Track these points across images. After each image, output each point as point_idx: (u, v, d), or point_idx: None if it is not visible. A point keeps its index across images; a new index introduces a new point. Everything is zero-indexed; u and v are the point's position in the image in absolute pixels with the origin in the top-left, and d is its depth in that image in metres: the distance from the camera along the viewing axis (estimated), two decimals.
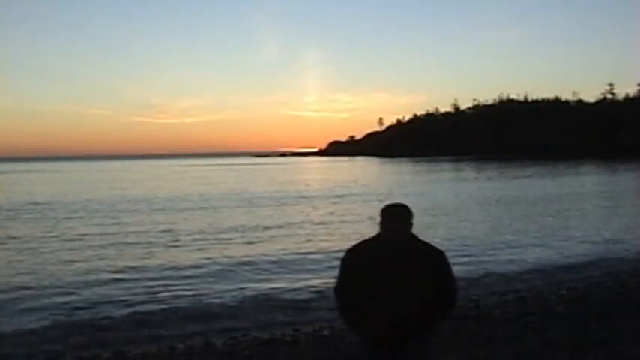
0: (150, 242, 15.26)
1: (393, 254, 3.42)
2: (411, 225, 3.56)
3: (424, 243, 3.49)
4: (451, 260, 3.55)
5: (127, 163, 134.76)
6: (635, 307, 7.37)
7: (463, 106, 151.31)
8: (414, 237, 3.52)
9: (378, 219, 3.59)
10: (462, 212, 20.97)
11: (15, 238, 16.51)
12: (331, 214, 21.61)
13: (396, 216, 3.57)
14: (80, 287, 10.03)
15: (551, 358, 5.42)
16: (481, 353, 5.64)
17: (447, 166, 71.28)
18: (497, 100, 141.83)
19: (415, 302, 3.38)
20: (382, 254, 3.43)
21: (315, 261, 12.14)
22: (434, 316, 3.50)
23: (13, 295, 9.58)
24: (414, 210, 3.67)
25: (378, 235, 3.56)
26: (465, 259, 11.91)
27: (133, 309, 8.59)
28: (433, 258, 3.46)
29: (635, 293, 8.33)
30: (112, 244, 14.91)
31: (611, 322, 6.60)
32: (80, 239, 15.97)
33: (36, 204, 27.70)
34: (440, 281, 3.43)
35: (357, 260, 3.49)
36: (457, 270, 4.00)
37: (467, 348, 5.82)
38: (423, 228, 13.60)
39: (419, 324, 3.47)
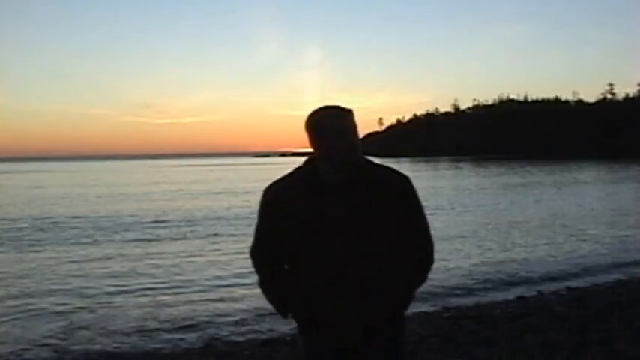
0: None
1: (338, 187, 2.29)
2: (357, 137, 2.35)
3: (379, 166, 2.41)
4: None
5: (127, 164, 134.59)
6: (635, 307, 7.37)
7: (463, 106, 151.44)
8: (365, 159, 2.40)
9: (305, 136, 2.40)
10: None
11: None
12: None
13: (336, 125, 2.30)
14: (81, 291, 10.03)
15: (551, 358, 5.42)
16: (481, 353, 5.63)
17: (465, 165, 71.15)
18: (497, 100, 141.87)
19: (380, 263, 2.28)
20: (320, 189, 2.31)
21: None
22: (410, 283, 2.40)
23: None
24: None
25: (310, 160, 2.39)
26: (466, 259, 11.92)
27: (132, 309, 8.59)
28: (397, 188, 2.36)
29: (635, 293, 8.33)
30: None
31: (611, 322, 6.59)
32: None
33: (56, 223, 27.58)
34: (411, 224, 2.37)
35: (284, 201, 2.34)
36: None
37: (467, 348, 5.82)
38: None
39: (391, 299, 2.33)
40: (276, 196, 2.39)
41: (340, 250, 2.26)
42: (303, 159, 2.47)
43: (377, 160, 2.46)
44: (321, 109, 2.36)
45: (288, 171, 2.42)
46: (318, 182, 2.32)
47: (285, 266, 2.42)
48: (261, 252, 2.45)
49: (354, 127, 2.34)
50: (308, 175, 2.37)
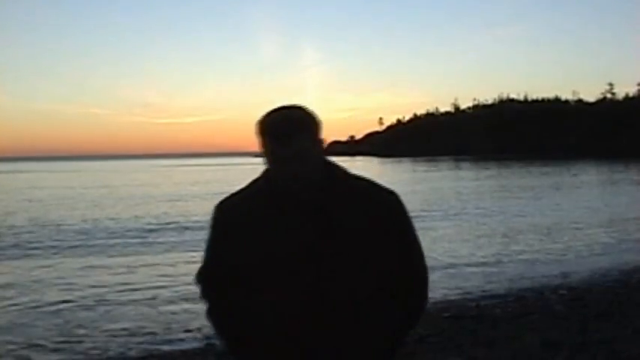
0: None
1: (304, 206, 1.84)
2: (321, 144, 1.88)
3: (357, 179, 1.95)
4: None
5: (127, 164, 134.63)
6: (635, 307, 7.37)
7: (463, 106, 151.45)
8: (337, 169, 1.94)
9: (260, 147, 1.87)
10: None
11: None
12: None
13: (287, 129, 1.79)
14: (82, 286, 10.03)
15: (551, 358, 5.42)
16: (481, 353, 5.64)
17: (465, 166, 71.19)
18: (497, 100, 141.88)
19: (359, 300, 1.84)
20: (282, 207, 1.86)
21: None
22: (397, 326, 1.98)
23: None
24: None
25: (266, 172, 1.92)
26: (465, 259, 11.92)
27: (132, 309, 8.59)
28: (380, 206, 1.90)
29: (635, 293, 8.33)
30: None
31: (611, 322, 6.60)
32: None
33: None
34: (399, 251, 1.92)
35: (238, 221, 1.91)
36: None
37: (467, 348, 5.82)
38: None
39: (373, 348, 1.89)
40: (229, 213, 1.95)
41: (307, 285, 1.80)
42: None
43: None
44: (268, 114, 1.86)
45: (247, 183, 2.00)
46: (279, 199, 1.86)
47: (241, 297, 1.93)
48: (211, 278, 2.01)
49: (306, 144, 1.81)
50: (267, 189, 1.90)
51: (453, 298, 8.73)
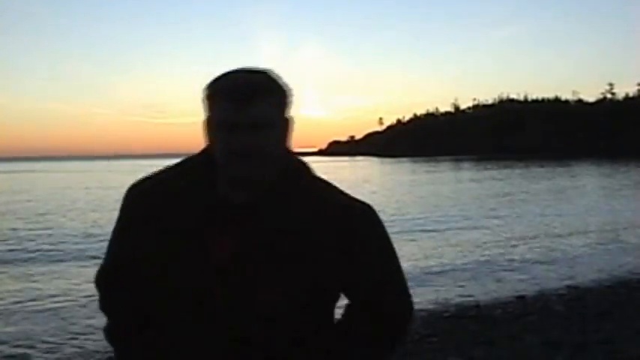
0: None
1: (244, 208, 1.42)
2: (289, 127, 1.46)
3: (333, 189, 1.52)
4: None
5: (127, 164, 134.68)
6: (635, 307, 7.37)
7: (463, 106, 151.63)
8: (306, 171, 1.52)
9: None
10: None
11: None
12: None
13: (247, 90, 1.36)
14: None
15: (551, 359, 5.42)
16: (481, 353, 5.64)
17: (466, 166, 71.18)
18: (497, 100, 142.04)
19: (299, 337, 1.44)
20: (212, 204, 1.43)
21: None
22: None
23: None
24: None
25: (203, 151, 1.49)
26: (465, 259, 11.92)
27: None
28: (343, 220, 1.45)
29: (635, 293, 8.33)
30: None
31: (611, 322, 6.60)
32: None
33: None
34: (367, 277, 1.48)
35: (152, 213, 1.45)
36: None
37: (467, 348, 5.82)
38: None
39: None
40: (142, 201, 1.48)
41: (232, 311, 1.38)
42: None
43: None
44: (223, 74, 1.44)
45: (174, 162, 1.54)
46: (210, 193, 1.43)
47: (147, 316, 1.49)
48: (112, 282, 1.55)
49: (270, 114, 1.38)
50: (198, 177, 1.46)
51: (453, 298, 8.73)
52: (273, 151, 1.41)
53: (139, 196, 1.50)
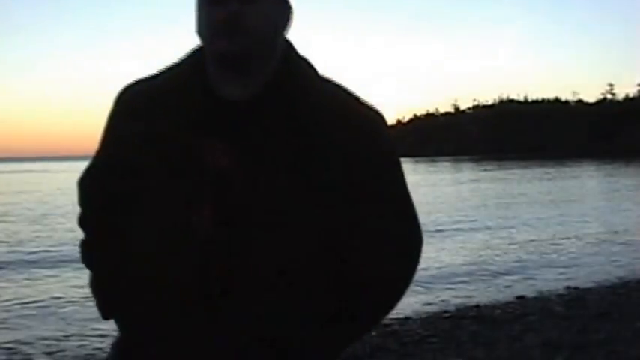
0: None
1: (239, 115, 1.24)
2: (286, 11, 1.31)
3: (337, 85, 1.34)
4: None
5: None
6: (635, 307, 7.38)
7: (463, 106, 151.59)
8: (306, 62, 1.35)
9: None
10: None
11: None
12: None
13: None
14: None
15: (551, 359, 5.43)
16: (481, 353, 5.65)
17: (465, 166, 71.25)
18: (497, 100, 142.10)
19: (293, 272, 1.21)
20: (208, 112, 1.26)
21: None
22: (348, 322, 1.29)
23: None
24: None
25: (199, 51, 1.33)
26: (465, 260, 11.93)
27: None
28: (349, 132, 1.25)
29: (635, 293, 8.34)
30: None
31: (611, 322, 6.61)
32: None
33: None
34: (374, 200, 1.26)
35: (142, 119, 1.29)
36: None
37: (467, 348, 5.83)
38: None
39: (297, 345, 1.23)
40: (133, 105, 1.34)
41: (212, 244, 1.19)
42: None
43: None
44: None
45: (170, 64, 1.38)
46: (207, 98, 1.26)
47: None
48: (96, 186, 1.38)
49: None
50: (193, 79, 1.29)
51: (452, 298, 8.74)
52: (264, 29, 1.23)
53: (132, 99, 1.36)
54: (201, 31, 1.27)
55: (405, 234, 1.31)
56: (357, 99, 1.33)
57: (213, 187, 1.21)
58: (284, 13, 1.30)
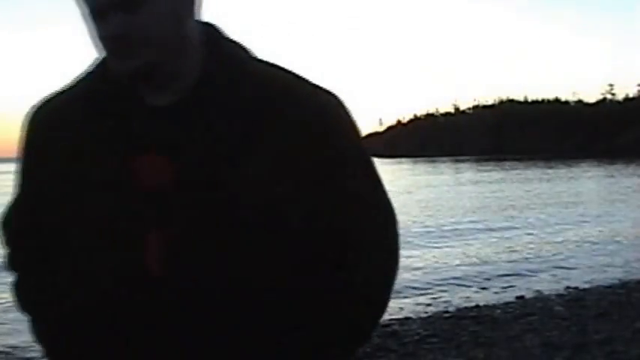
0: None
1: (168, 120, 1.07)
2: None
3: (273, 65, 1.16)
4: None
5: None
6: (635, 307, 7.38)
7: (463, 106, 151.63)
8: (237, 51, 1.14)
9: None
10: None
11: None
12: None
13: None
14: None
15: (551, 359, 5.43)
16: (481, 354, 5.65)
17: (465, 167, 71.23)
18: (497, 101, 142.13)
19: (248, 291, 1.05)
20: (129, 123, 1.07)
21: None
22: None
23: None
24: None
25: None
26: (465, 260, 11.93)
27: None
28: (300, 121, 1.08)
29: (634, 293, 8.33)
30: None
31: (611, 322, 6.60)
32: None
33: None
34: (336, 203, 1.10)
35: (57, 139, 1.12)
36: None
37: (467, 348, 5.83)
38: None
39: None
40: (46, 125, 1.17)
41: (162, 285, 1.04)
42: None
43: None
44: None
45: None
46: (136, 108, 1.10)
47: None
48: (20, 228, 1.22)
49: None
50: (116, 88, 1.11)
51: (452, 298, 8.74)
52: (162, 31, 1.04)
53: (43, 119, 1.18)
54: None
55: (382, 230, 1.17)
56: (303, 80, 1.16)
57: (154, 212, 1.04)
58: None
